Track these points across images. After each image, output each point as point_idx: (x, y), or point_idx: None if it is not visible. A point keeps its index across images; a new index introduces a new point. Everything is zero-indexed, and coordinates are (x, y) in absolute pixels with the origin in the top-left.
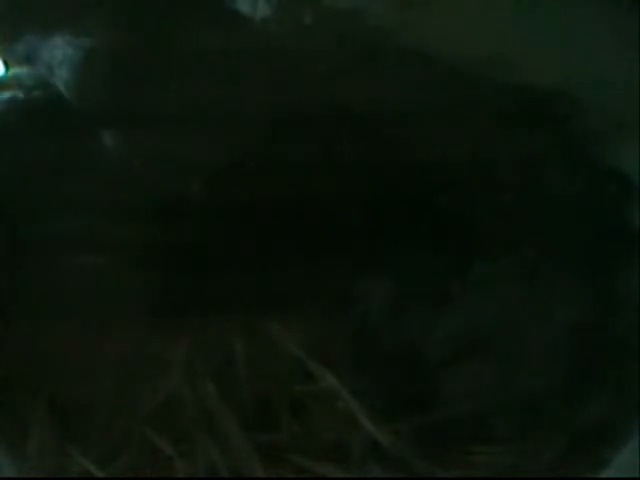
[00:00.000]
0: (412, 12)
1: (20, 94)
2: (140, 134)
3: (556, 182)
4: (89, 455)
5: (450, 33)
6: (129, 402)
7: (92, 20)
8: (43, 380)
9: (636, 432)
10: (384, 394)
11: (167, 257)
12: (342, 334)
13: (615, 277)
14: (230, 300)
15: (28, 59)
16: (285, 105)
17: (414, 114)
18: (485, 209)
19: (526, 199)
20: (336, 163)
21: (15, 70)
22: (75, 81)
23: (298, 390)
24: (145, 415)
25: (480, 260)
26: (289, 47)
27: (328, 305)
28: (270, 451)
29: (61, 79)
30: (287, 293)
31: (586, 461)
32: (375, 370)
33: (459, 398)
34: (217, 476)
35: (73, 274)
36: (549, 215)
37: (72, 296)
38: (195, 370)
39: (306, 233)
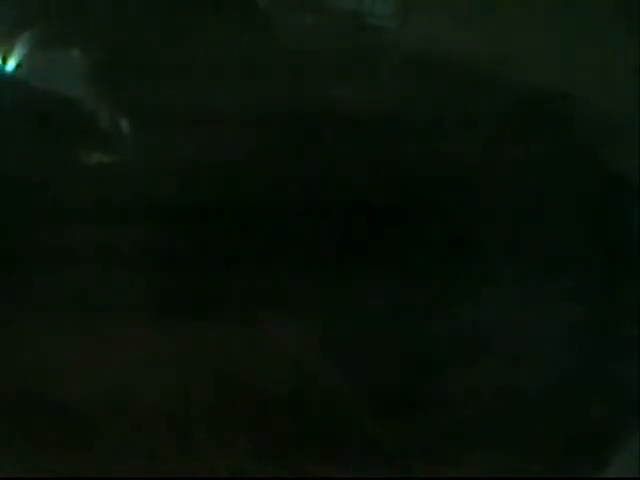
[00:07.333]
0: (412, 12)
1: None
2: (144, 132)
3: (556, 182)
4: (89, 455)
5: (450, 33)
6: (130, 402)
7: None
8: (43, 380)
9: (636, 432)
10: (384, 394)
11: (167, 257)
12: (342, 334)
13: (615, 277)
14: (230, 300)
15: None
16: (285, 105)
17: (414, 114)
18: (485, 209)
19: (526, 199)
20: (336, 163)
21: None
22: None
23: (298, 390)
24: (145, 415)
25: (481, 260)
26: (289, 47)
27: (328, 305)
28: (270, 451)
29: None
30: (287, 293)
31: (586, 461)
32: (375, 370)
33: (459, 398)
34: (217, 476)
35: (73, 274)
36: (549, 215)
37: (72, 296)
38: (196, 370)
39: (307, 233)
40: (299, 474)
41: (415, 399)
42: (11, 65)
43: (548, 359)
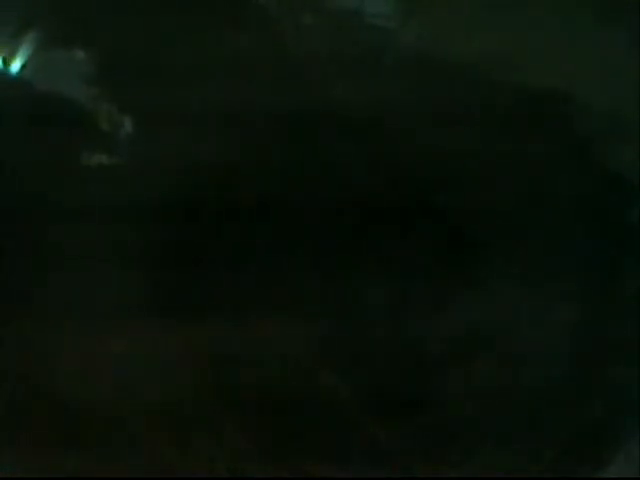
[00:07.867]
0: (412, 12)
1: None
2: (143, 133)
3: (555, 182)
4: (89, 455)
5: (450, 33)
6: (129, 402)
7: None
8: (43, 379)
9: (636, 432)
10: (384, 394)
11: (166, 257)
12: (342, 334)
13: (615, 277)
14: (230, 300)
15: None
16: (284, 105)
17: (414, 114)
18: (485, 209)
19: (525, 199)
20: (335, 163)
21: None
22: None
23: (298, 390)
24: (145, 415)
25: (480, 260)
26: (289, 47)
27: (328, 305)
28: (270, 451)
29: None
30: (287, 293)
31: (586, 461)
32: (375, 370)
33: (459, 398)
34: (217, 476)
35: (72, 273)
36: (549, 215)
37: (72, 295)
38: (197, 370)
39: (305, 233)
40: (299, 474)
41: (415, 399)
42: (15, 66)
43: (548, 359)
